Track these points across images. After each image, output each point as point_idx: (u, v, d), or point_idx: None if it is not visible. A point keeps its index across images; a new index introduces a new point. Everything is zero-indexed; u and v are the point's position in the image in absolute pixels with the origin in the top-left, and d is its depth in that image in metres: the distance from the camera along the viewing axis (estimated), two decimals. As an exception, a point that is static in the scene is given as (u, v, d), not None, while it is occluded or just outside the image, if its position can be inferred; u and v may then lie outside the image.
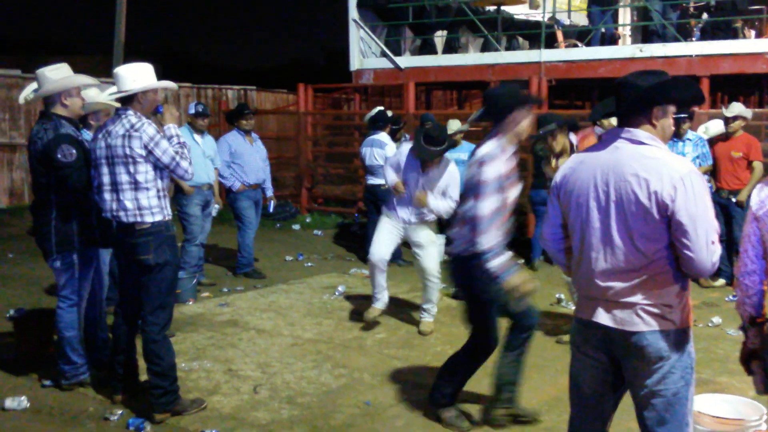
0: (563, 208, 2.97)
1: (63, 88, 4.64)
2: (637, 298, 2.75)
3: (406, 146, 6.32)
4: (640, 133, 2.78)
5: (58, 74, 4.65)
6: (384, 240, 6.28)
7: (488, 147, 4.07)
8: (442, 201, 6.09)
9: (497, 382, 4.42)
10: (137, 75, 4.38)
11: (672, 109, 2.84)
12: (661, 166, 2.68)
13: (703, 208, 2.67)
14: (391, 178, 6.28)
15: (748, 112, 7.80)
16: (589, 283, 2.86)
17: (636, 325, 2.76)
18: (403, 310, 7.01)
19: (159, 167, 4.36)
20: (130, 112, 4.37)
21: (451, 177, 6.12)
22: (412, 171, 6.13)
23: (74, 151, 4.56)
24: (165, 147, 4.33)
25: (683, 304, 2.79)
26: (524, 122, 4.17)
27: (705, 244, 2.66)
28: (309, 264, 9.29)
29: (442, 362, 5.53)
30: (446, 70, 13.62)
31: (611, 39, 13.14)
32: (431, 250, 6.32)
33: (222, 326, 6.45)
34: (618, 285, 2.77)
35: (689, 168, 2.70)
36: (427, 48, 14.34)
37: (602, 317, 2.82)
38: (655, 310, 2.75)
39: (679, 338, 2.78)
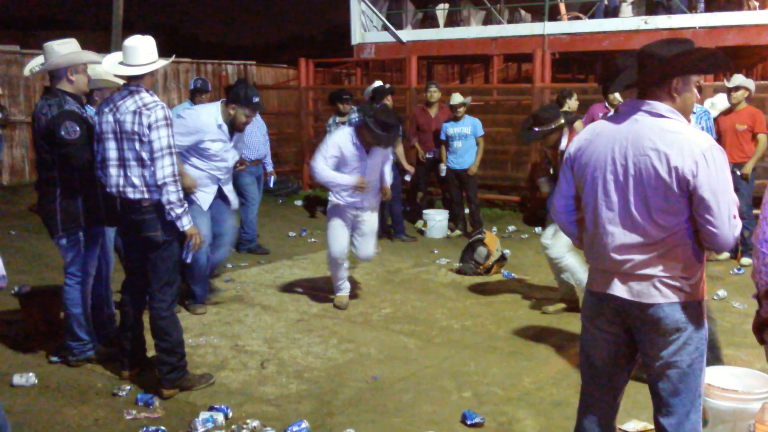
0: (577, 181, 2.94)
1: (69, 63, 4.59)
2: (655, 271, 2.73)
3: (341, 136, 6.07)
4: (659, 105, 2.73)
5: (65, 49, 4.59)
6: (342, 236, 6.27)
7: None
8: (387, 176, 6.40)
9: None
10: (151, 49, 4.35)
11: (695, 79, 2.78)
12: (681, 141, 2.64)
13: (724, 183, 2.64)
14: (348, 177, 6.05)
15: (750, 83, 7.75)
16: (604, 256, 2.83)
17: (653, 297, 2.74)
18: (408, 285, 7.02)
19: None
20: (142, 88, 4.32)
21: (385, 153, 6.28)
22: (359, 159, 6.03)
23: (78, 128, 4.51)
24: (164, 135, 4.24)
25: (699, 276, 2.78)
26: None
27: (727, 218, 2.63)
28: (312, 240, 9.27)
29: (447, 337, 5.58)
30: (448, 44, 13.54)
31: (614, 11, 13.04)
32: (374, 237, 6.48)
33: (227, 302, 6.45)
34: (635, 258, 2.75)
35: (710, 142, 2.66)
36: (429, 21, 14.23)
37: (618, 289, 2.81)
38: (673, 282, 2.73)
39: (695, 310, 2.78)
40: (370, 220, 6.35)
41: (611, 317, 2.88)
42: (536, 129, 5.58)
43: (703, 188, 2.61)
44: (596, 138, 2.85)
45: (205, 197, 5.82)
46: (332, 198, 6.29)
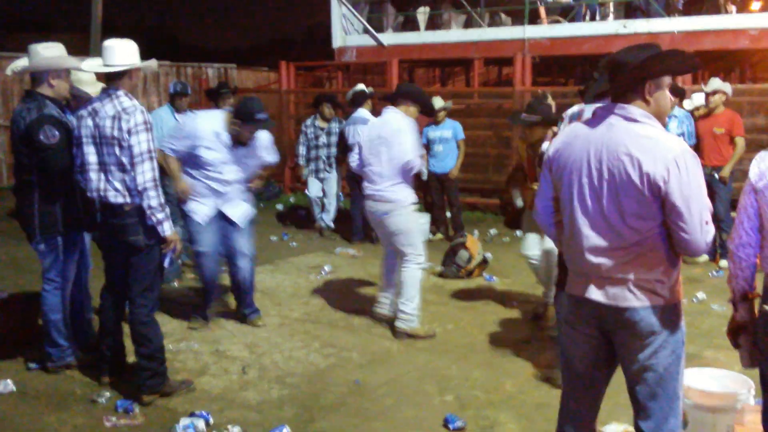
0: (555, 183, 2.95)
1: (51, 67, 4.55)
2: (630, 275, 2.75)
3: (407, 123, 5.64)
4: (633, 110, 2.74)
5: (50, 53, 4.55)
6: None
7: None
8: None
9: None
10: (132, 51, 4.32)
11: (667, 80, 2.80)
12: (654, 146, 2.65)
13: (696, 189, 2.66)
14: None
15: (727, 87, 7.84)
16: (580, 259, 2.85)
17: (628, 300, 2.76)
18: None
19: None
20: (121, 92, 4.29)
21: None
22: None
23: (57, 132, 4.47)
24: (143, 139, 4.21)
25: (674, 279, 2.79)
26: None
27: (699, 224, 2.65)
28: (294, 244, 9.25)
29: (429, 341, 5.58)
30: (429, 47, 13.58)
31: (594, 15, 13.13)
32: None
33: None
34: (610, 262, 2.76)
35: (682, 148, 2.68)
36: (410, 25, 14.25)
37: (594, 293, 2.82)
38: (648, 286, 2.75)
39: (670, 313, 2.79)
40: None
41: (588, 320, 2.89)
42: (523, 115, 5.61)
43: (674, 194, 2.62)
44: (573, 141, 2.86)
45: (201, 208, 5.56)
46: (409, 200, 5.70)
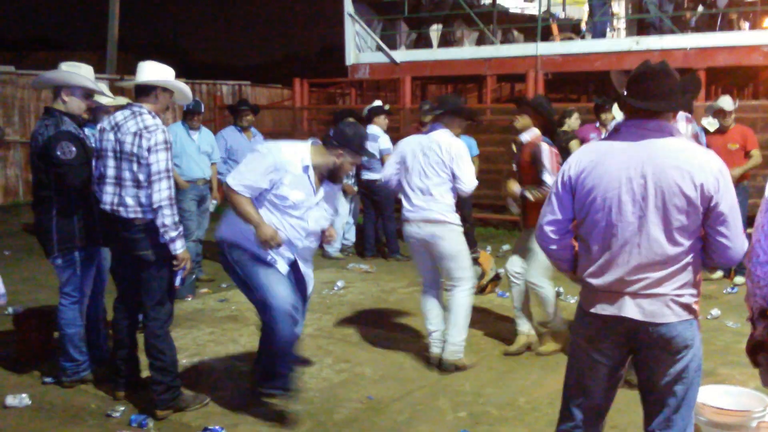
0: (580, 204, 2.89)
1: (58, 83, 4.63)
2: (668, 289, 2.78)
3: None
4: (666, 124, 2.79)
5: (63, 68, 4.65)
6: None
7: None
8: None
9: None
10: (161, 71, 4.40)
11: None
12: (699, 158, 2.73)
13: (735, 199, 2.77)
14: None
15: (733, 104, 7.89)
16: (615, 278, 2.83)
17: (666, 316, 2.79)
18: (403, 305, 7.01)
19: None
20: (145, 110, 4.34)
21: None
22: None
23: (74, 148, 4.53)
24: (162, 158, 4.25)
25: (699, 293, 2.87)
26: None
27: (740, 232, 2.76)
28: (307, 259, 9.24)
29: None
30: (442, 64, 13.63)
31: (603, 33, 13.15)
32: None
33: (222, 322, 6.44)
34: (651, 277, 2.78)
35: (719, 159, 2.78)
36: (423, 42, 14.33)
37: (630, 311, 2.81)
38: (684, 300, 2.80)
39: (697, 326, 2.88)
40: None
41: (617, 339, 2.89)
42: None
43: (722, 204, 2.71)
44: (603, 159, 2.83)
45: (279, 262, 4.39)
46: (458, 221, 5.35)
